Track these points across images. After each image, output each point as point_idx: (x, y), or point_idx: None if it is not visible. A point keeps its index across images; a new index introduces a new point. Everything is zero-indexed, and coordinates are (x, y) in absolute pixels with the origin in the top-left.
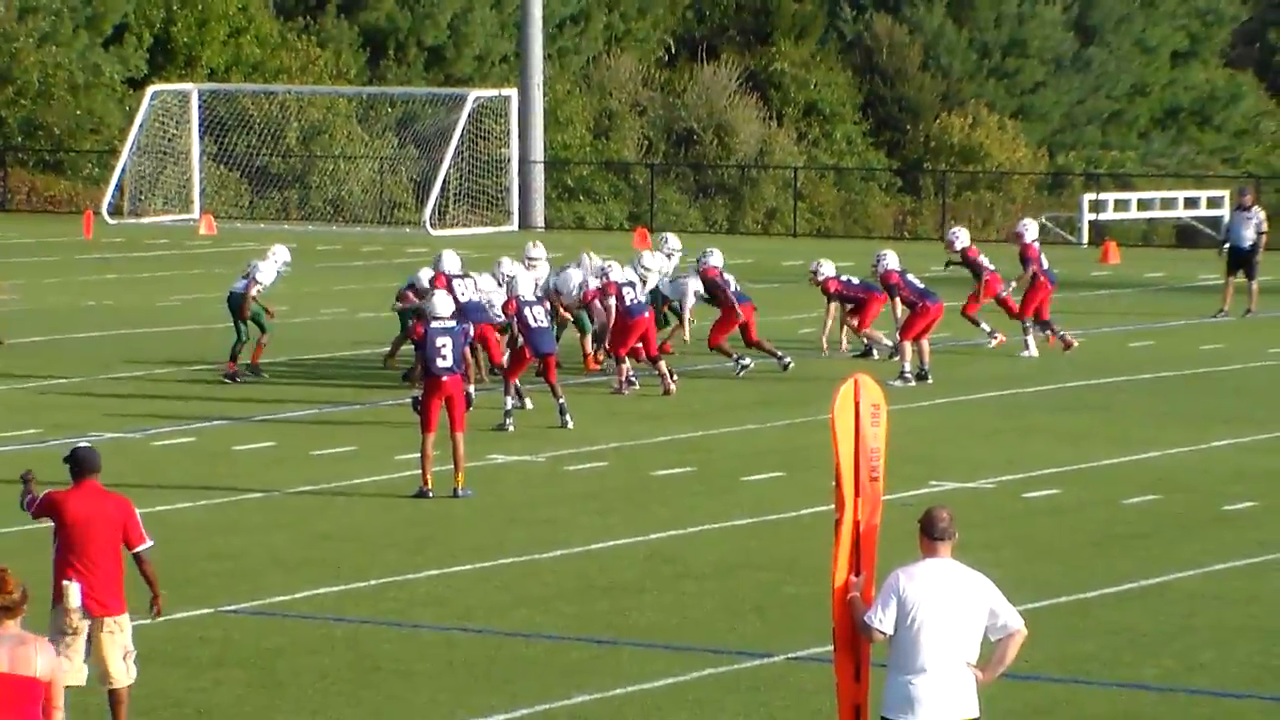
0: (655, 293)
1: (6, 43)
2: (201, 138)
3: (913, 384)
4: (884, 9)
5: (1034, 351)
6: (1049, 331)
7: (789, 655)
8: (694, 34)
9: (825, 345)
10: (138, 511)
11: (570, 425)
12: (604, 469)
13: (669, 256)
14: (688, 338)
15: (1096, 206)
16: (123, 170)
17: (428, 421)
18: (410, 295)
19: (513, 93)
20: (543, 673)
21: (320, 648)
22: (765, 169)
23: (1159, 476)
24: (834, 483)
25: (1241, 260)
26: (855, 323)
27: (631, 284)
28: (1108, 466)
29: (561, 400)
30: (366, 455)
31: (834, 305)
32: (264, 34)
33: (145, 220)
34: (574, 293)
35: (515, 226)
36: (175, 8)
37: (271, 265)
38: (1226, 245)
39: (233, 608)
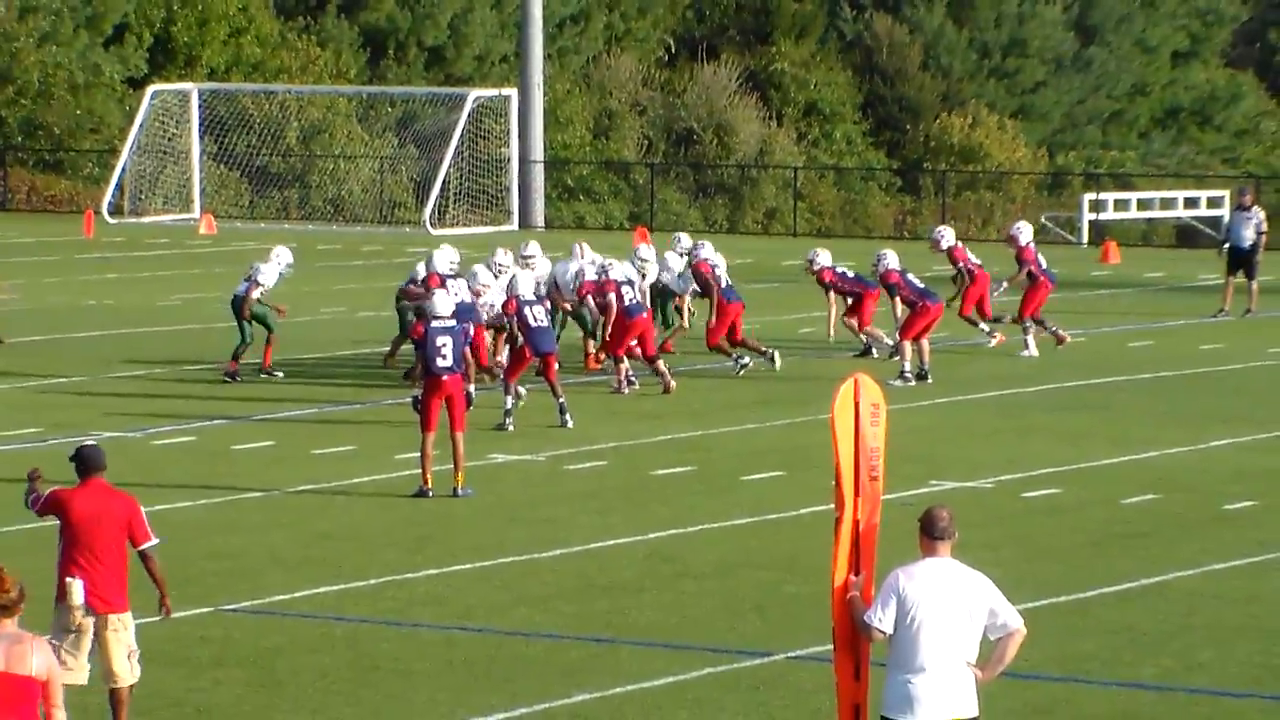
0: (661, 291)
1: (7, 42)
2: (202, 137)
3: (913, 383)
4: (884, 9)
5: (1034, 351)
6: (1039, 325)
7: (789, 654)
8: (694, 34)
9: (831, 331)
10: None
11: (570, 424)
12: (604, 468)
13: (681, 256)
14: (688, 326)
15: (1096, 206)
16: (123, 170)
17: (428, 421)
18: (414, 289)
19: (513, 92)
20: (542, 672)
21: (320, 647)
22: (765, 169)
23: (1158, 476)
24: (834, 482)
25: (1241, 260)
26: (854, 322)
27: (630, 282)
28: (1107, 466)
29: (561, 399)
30: (366, 454)
31: (834, 295)
32: (264, 34)
33: (145, 220)
34: (570, 285)
35: (515, 226)
36: (175, 7)
37: (274, 267)
38: (1226, 245)
39: (232, 607)
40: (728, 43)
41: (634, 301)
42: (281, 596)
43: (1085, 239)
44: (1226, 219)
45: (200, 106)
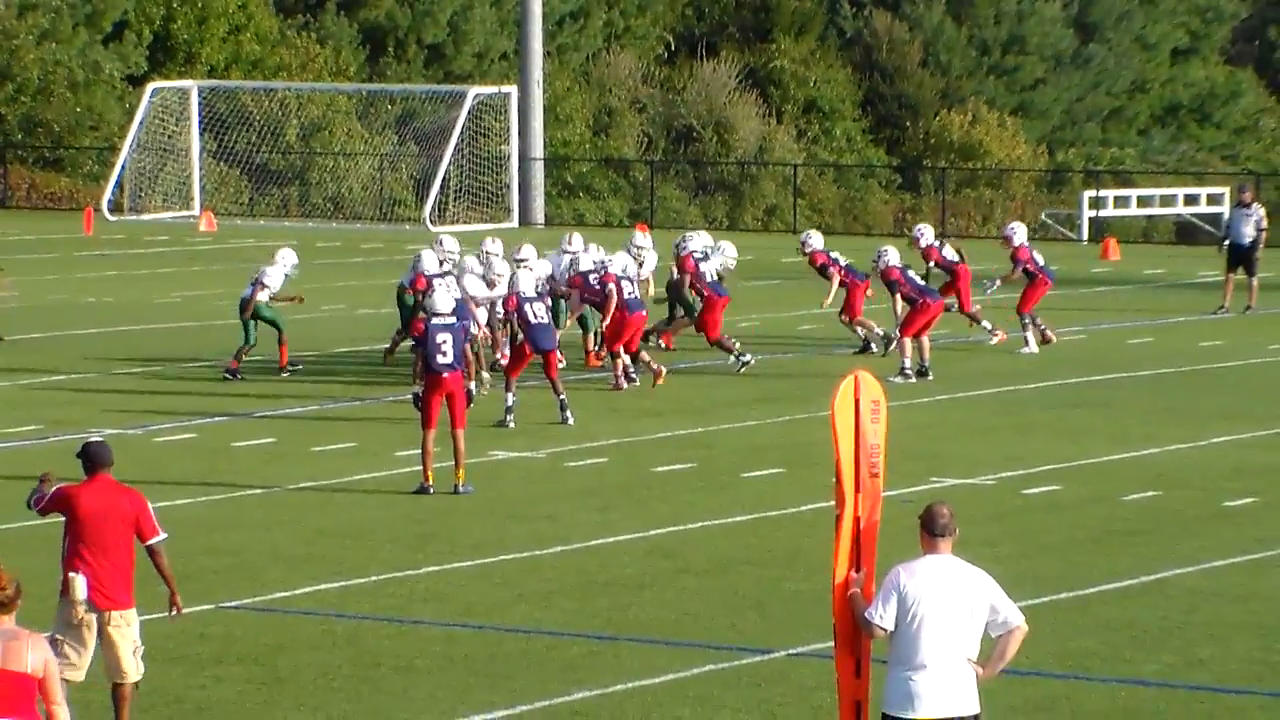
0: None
1: (6, 40)
2: (201, 134)
3: (913, 380)
4: (883, 6)
5: (1034, 348)
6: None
7: (789, 651)
8: (694, 31)
9: (829, 299)
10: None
11: (571, 421)
12: (604, 465)
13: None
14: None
15: (1096, 203)
16: (123, 167)
17: (428, 418)
18: (421, 281)
19: (512, 90)
20: (543, 669)
21: (321, 644)
22: (765, 166)
23: (1158, 473)
24: (834, 479)
25: (1241, 257)
26: (846, 318)
27: (629, 279)
28: (1107, 463)
29: (562, 396)
30: (367, 451)
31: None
32: (264, 31)
33: (145, 217)
34: (563, 274)
35: (515, 223)
36: (175, 5)
37: (279, 269)
38: (1226, 242)
39: (233, 604)
40: (727, 40)
41: (633, 297)
42: (282, 593)
43: (1085, 236)
44: (1226, 216)
45: (200, 104)
